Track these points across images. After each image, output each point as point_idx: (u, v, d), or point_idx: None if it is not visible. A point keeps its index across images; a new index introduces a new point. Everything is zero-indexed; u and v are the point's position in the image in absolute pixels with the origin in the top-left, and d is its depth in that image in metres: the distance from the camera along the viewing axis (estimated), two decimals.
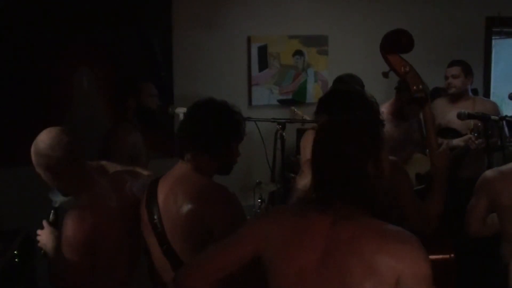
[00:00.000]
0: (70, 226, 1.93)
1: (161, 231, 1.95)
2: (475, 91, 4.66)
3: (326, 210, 1.49)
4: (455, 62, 4.03)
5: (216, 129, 1.96)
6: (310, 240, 1.48)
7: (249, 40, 4.35)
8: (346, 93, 2.26)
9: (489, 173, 2.36)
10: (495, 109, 3.96)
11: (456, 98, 4.00)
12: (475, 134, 3.64)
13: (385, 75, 2.28)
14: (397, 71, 2.25)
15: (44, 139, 1.98)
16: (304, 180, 2.09)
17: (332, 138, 1.53)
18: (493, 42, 5.21)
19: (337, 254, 1.43)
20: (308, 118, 3.70)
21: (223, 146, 1.99)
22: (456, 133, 3.91)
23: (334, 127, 1.58)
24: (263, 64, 4.40)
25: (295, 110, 3.49)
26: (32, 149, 2.00)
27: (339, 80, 3.53)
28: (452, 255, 2.15)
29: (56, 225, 2.13)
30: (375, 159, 1.51)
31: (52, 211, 2.16)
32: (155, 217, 1.97)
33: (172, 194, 1.95)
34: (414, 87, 2.22)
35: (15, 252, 2.93)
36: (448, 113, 3.94)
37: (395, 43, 2.22)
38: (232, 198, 1.95)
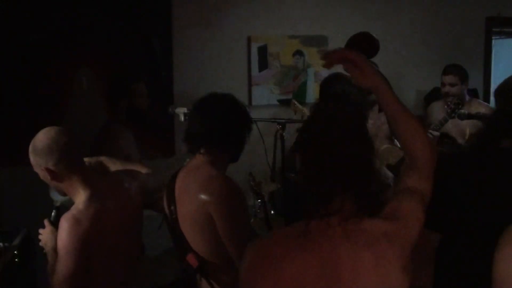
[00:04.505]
0: (65, 228, 1.90)
1: (175, 218, 2.05)
2: (474, 92, 4.65)
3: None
4: (451, 69, 3.94)
5: (227, 125, 2.03)
6: None
7: (249, 40, 4.35)
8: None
9: None
10: (491, 111, 3.94)
11: None
12: None
13: None
14: None
15: (42, 138, 1.95)
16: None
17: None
18: (493, 42, 5.21)
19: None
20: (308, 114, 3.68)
21: (235, 139, 2.07)
22: (450, 139, 3.89)
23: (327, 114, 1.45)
24: (263, 64, 4.40)
25: (296, 103, 3.47)
26: (30, 148, 1.97)
27: (326, 83, 3.47)
28: None
29: (57, 225, 2.12)
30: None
31: (53, 210, 2.15)
32: (172, 207, 2.06)
33: (184, 184, 2.05)
34: None
35: (15, 252, 2.93)
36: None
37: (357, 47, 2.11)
38: (235, 190, 2.00)
